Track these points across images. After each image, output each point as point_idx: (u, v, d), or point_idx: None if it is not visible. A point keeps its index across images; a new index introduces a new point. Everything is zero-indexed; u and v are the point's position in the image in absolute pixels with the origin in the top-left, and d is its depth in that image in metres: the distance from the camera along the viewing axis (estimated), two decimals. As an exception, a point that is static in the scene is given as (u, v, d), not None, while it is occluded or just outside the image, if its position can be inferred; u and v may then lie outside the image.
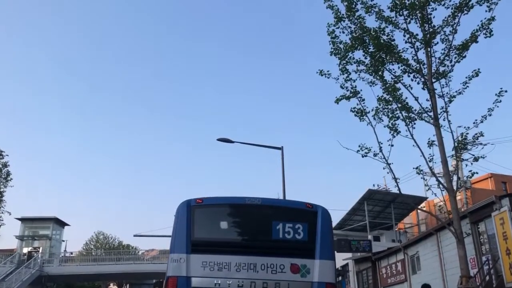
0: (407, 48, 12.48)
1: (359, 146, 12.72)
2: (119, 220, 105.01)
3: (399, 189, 12.55)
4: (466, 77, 12.23)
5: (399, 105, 12.35)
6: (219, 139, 23.32)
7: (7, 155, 27.21)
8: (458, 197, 45.50)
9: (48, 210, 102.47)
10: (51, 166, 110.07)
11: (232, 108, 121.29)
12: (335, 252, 10.32)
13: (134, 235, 26.19)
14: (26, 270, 39.26)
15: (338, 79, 12.85)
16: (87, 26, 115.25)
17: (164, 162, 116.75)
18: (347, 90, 12.91)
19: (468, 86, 12.24)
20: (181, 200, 7.80)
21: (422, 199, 38.55)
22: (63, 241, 50.86)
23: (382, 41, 12.18)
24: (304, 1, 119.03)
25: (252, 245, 7.54)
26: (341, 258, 29.39)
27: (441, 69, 12.22)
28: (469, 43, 11.82)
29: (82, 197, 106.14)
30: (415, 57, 12.45)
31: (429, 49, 12.29)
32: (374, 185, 45.40)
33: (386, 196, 35.70)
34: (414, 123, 12.56)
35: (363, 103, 12.94)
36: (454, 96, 12.30)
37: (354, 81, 12.87)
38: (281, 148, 23.61)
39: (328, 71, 13.00)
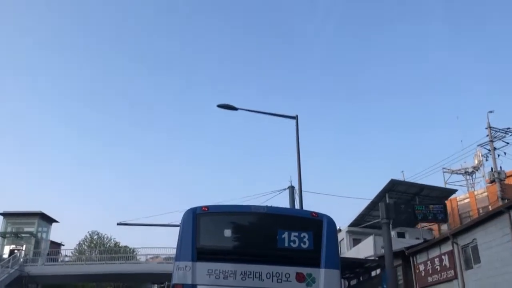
0: None
1: None
2: (115, 220, 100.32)
3: None
4: None
5: None
6: (220, 106, 19.20)
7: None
8: (484, 194, 40.73)
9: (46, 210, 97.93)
10: (50, 165, 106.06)
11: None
12: (393, 219, 8.19)
13: (118, 224, 22.63)
14: (3, 270, 35.22)
15: None
16: (87, 34, 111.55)
17: (163, 159, 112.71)
18: None
19: None
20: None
21: (450, 192, 34.62)
22: (62, 245, 46.59)
23: None
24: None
25: (258, 253, 7.46)
26: (364, 255, 25.18)
27: None
28: None
29: (77, 195, 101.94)
30: None
31: None
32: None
33: (410, 187, 31.67)
34: None
35: None
36: None
37: None
38: (295, 117, 19.72)
39: None
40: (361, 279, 21.83)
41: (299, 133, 19.50)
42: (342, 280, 27.53)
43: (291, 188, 21.22)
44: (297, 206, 19.78)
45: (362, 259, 23.09)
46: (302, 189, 18.63)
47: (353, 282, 23.32)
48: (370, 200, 32.66)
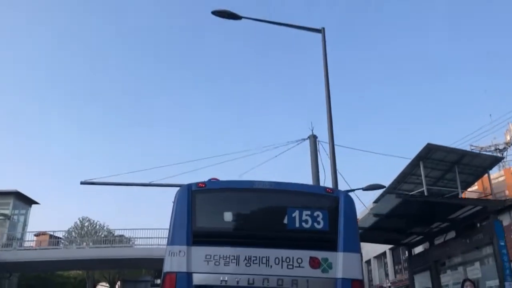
0: None
1: None
2: (112, 208, 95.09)
3: None
4: None
5: None
6: (215, 12, 14.05)
7: None
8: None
9: (43, 200, 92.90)
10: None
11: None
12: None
13: (81, 183, 17.94)
14: (-36, 258, 30.26)
15: None
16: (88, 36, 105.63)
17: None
18: None
19: None
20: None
21: (496, 159, 29.23)
22: (61, 238, 41.62)
23: None
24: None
25: (265, 235, 6.54)
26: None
27: None
28: None
29: (70, 178, 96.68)
30: None
31: None
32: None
33: (449, 155, 26.17)
34: None
35: None
36: None
37: None
38: (321, 31, 14.82)
39: None
40: (445, 238, 13.22)
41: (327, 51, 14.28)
42: (401, 248, 21.22)
43: (313, 137, 15.78)
44: (326, 164, 14.62)
45: (449, 198, 15.77)
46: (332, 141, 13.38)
47: (425, 245, 15.21)
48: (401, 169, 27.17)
